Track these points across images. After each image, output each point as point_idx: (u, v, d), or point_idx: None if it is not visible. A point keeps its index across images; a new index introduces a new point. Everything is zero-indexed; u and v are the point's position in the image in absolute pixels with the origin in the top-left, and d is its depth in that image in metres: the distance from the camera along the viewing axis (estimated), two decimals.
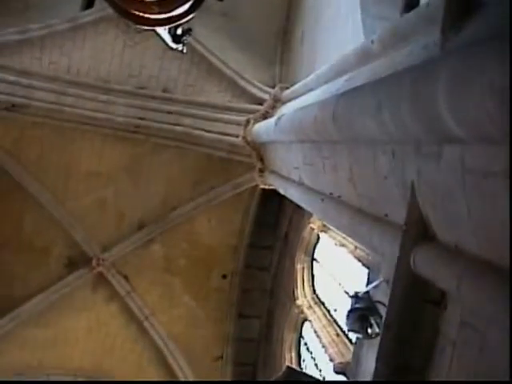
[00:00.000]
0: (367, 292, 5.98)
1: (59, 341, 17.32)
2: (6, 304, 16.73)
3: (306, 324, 14.81)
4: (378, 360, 5.53)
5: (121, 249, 16.71)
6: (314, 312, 14.33)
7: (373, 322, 5.79)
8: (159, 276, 17.06)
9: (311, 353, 14.34)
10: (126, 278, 16.92)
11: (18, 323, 16.80)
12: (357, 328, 5.89)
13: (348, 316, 5.96)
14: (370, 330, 5.83)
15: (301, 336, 15.32)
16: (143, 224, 16.53)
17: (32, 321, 16.89)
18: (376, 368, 5.59)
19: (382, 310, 5.75)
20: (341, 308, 12.91)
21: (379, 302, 5.80)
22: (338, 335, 12.55)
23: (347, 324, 6.00)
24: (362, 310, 5.81)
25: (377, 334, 5.91)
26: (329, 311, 13.89)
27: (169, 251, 16.90)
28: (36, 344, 17.23)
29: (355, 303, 5.95)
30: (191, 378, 16.80)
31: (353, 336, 10.84)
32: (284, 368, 7.18)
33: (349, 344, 11.76)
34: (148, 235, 16.59)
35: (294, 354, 15.35)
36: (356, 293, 6.06)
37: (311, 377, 7.40)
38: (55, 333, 17.22)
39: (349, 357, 10.61)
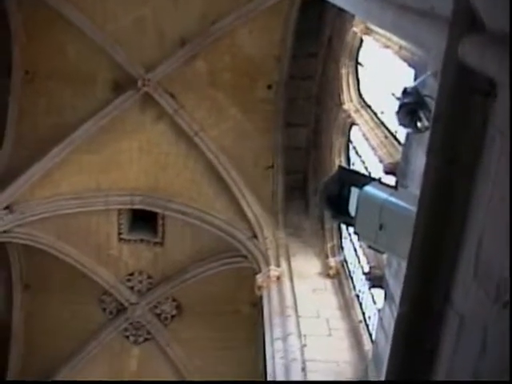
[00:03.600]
0: (415, 87, 6.01)
1: (113, 163, 17.84)
2: (58, 132, 17.15)
3: (354, 128, 14.90)
4: (428, 153, 5.60)
5: (165, 67, 16.82)
6: (361, 115, 14.37)
7: (422, 115, 5.87)
8: (205, 91, 17.19)
9: (360, 156, 14.52)
10: (172, 96, 17.08)
11: (73, 149, 17.34)
12: (407, 122, 5.98)
13: (398, 111, 6.03)
14: (419, 124, 5.92)
15: (349, 140, 15.46)
16: (185, 41, 16.50)
17: (85, 146, 17.41)
18: (427, 162, 5.66)
19: (431, 104, 5.79)
20: (388, 110, 12.95)
21: (428, 95, 5.84)
22: (386, 137, 12.62)
23: (397, 119, 6.08)
24: (412, 105, 5.88)
25: (426, 128, 5.99)
26: (376, 114, 13.89)
27: (212, 66, 16.91)
28: (92, 168, 17.80)
29: (404, 98, 6.01)
30: (244, 189, 17.22)
31: (401, 136, 10.98)
32: (336, 167, 7.35)
33: (397, 145, 11.85)
34: (190, 51, 16.59)
35: (343, 159, 15.57)
36: (405, 88, 6.10)
37: (363, 174, 7.60)
38: (109, 156, 17.72)
39: (398, 157, 10.75)
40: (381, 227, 6.95)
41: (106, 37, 16.39)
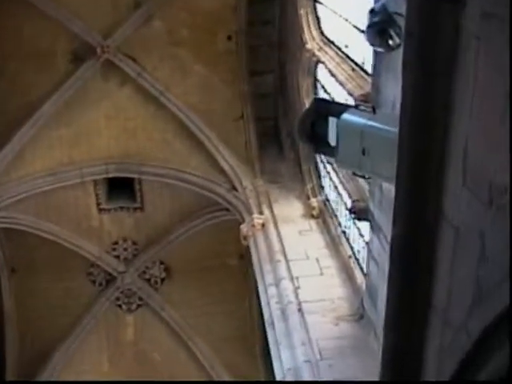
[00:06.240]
0: (383, 5, 6.04)
1: (83, 135, 17.71)
2: (25, 111, 17.04)
3: (320, 66, 14.92)
4: (403, 69, 5.59)
5: (122, 32, 16.67)
6: (326, 53, 14.34)
7: (392, 33, 5.92)
8: (166, 51, 17.07)
9: (329, 94, 14.57)
10: (133, 59, 16.95)
11: (41, 126, 17.20)
12: (378, 43, 6.02)
13: (367, 31, 6.07)
14: (391, 42, 5.96)
15: (316, 80, 15.50)
16: (139, 2, 16.35)
17: (53, 122, 17.29)
18: (403, 78, 5.67)
19: (401, 21, 5.82)
20: (352, 43, 12.98)
21: (396, 13, 5.87)
22: (353, 70, 12.66)
23: (367, 39, 6.12)
24: (381, 23, 5.91)
25: (398, 45, 6.05)
26: (340, 49, 13.90)
27: (170, 24, 16.78)
28: (62, 142, 17.68)
29: (372, 18, 6.04)
30: (217, 142, 17.24)
31: (369, 67, 11.03)
32: (311, 100, 7.39)
33: (366, 76, 11.90)
34: (146, 12, 16.48)
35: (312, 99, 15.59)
36: (372, 8, 6.13)
37: (339, 103, 7.65)
38: (78, 128, 17.59)
39: (368, 88, 10.82)
40: (364, 152, 7.03)
41: (59, 9, 16.21)
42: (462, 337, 5.33)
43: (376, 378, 6.79)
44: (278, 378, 11.75)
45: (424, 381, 6.07)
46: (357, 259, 13.35)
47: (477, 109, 4.95)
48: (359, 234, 13.24)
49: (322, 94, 15.25)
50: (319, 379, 10.77)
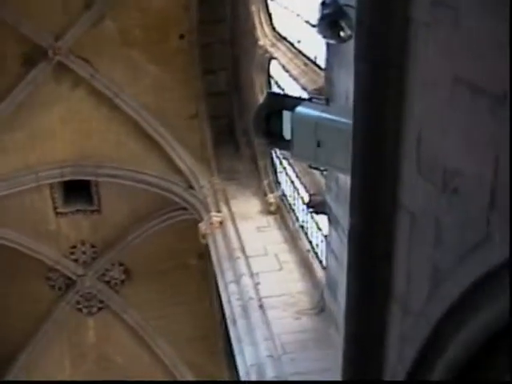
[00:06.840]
0: None
1: (38, 139, 17.50)
2: None
3: (273, 62, 14.97)
4: (355, 60, 5.65)
5: (74, 33, 16.46)
6: (278, 48, 14.38)
7: (344, 25, 5.96)
8: (118, 51, 16.90)
9: (283, 89, 14.62)
10: (86, 60, 16.78)
11: None
12: (329, 35, 6.06)
13: (319, 24, 6.11)
14: (342, 34, 6.01)
15: (269, 76, 15.55)
16: (89, 2, 16.21)
17: (6, 126, 16.96)
18: (356, 69, 5.70)
19: (352, 13, 5.85)
20: (304, 39, 13.04)
21: (347, 4, 5.92)
22: (306, 65, 12.74)
23: (319, 32, 6.16)
24: (332, 16, 5.95)
25: (349, 37, 6.09)
26: (292, 44, 13.96)
27: (122, 24, 16.63)
28: (16, 147, 17.43)
29: (324, 10, 6.08)
30: (172, 142, 17.19)
31: (321, 61, 11.09)
32: (265, 95, 7.41)
33: (318, 70, 11.97)
34: (97, 12, 16.30)
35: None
36: (323, 1, 6.16)
37: (293, 96, 7.67)
38: (32, 132, 17.35)
39: (321, 82, 10.88)
40: (318, 144, 7.07)
41: (8, 11, 15.98)
42: (421, 323, 5.38)
43: (338, 370, 6.82)
44: (242, 374, 11.75)
45: (392, 381, 6.12)
46: (315, 253, 13.41)
47: (428, 96, 5.00)
48: (317, 228, 13.29)
49: (275, 90, 15.29)
50: (282, 373, 10.80)
